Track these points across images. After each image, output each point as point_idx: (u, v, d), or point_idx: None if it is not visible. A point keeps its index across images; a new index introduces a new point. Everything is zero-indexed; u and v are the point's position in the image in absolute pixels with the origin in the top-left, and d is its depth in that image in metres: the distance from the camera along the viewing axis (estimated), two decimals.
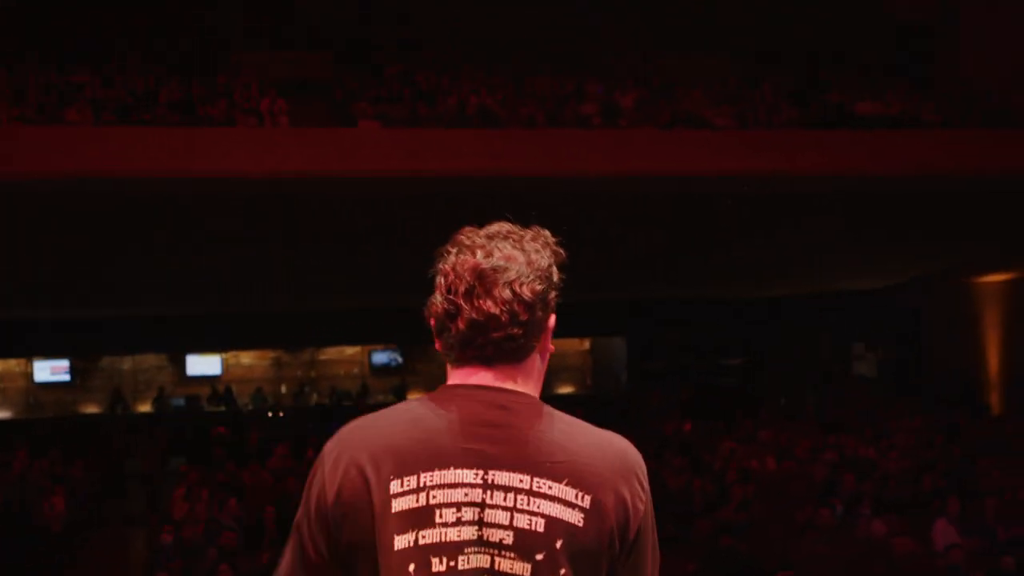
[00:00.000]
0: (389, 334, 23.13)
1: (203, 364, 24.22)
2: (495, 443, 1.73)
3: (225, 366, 24.23)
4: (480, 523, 1.69)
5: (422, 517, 1.69)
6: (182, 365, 24.15)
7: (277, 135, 13.92)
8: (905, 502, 11.23)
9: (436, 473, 1.71)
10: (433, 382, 23.88)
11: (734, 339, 24.42)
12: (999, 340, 20.27)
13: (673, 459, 12.65)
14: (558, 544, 1.68)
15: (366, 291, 20.00)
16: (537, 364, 1.85)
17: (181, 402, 23.06)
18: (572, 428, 1.79)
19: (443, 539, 1.68)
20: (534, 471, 1.71)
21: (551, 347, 1.90)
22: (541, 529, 1.68)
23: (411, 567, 1.69)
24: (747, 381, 24.03)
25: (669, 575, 7.32)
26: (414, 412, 1.80)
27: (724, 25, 19.48)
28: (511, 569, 1.67)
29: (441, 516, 1.69)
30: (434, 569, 1.68)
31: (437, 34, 19.67)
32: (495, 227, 1.85)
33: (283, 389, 24.09)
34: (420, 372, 24.08)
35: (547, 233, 1.89)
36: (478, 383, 1.79)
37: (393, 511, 1.70)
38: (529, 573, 1.67)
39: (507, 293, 1.75)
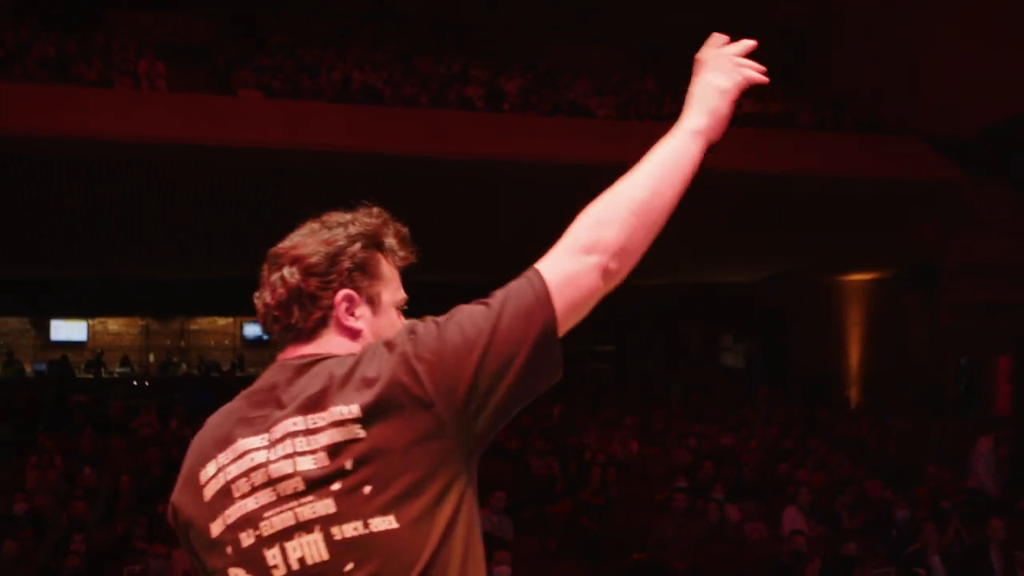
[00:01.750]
0: None
1: (68, 330, 23.54)
2: (274, 402, 1.70)
3: (91, 332, 23.58)
4: (271, 482, 1.64)
5: (223, 497, 1.67)
6: (46, 330, 23.43)
7: (153, 99, 13.57)
8: (761, 489, 11.57)
9: (228, 450, 1.69)
10: None
11: (606, 325, 24.72)
12: (859, 337, 20.99)
13: (536, 442, 12.77)
14: (348, 465, 1.60)
15: (240, 261, 19.67)
16: (336, 342, 1.76)
17: (43, 367, 22.34)
18: (334, 362, 1.70)
19: (243, 511, 1.65)
20: (304, 410, 1.65)
21: (354, 325, 1.78)
22: (326, 462, 1.61)
23: (228, 550, 1.66)
24: (618, 367, 24.38)
25: (529, 554, 7.42)
26: (233, 399, 1.79)
27: (613, 18, 19.66)
28: (314, 512, 1.61)
29: (238, 490, 1.66)
30: (244, 544, 1.64)
31: (326, 9, 19.45)
32: (326, 216, 1.84)
33: (151, 358, 23.55)
34: None
35: (376, 211, 1.85)
36: (280, 359, 1.77)
37: (206, 500, 1.70)
38: (334, 508, 1.60)
39: (275, 278, 1.75)
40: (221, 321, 23.83)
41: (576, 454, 12.08)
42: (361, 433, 1.60)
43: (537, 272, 1.71)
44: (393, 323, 1.82)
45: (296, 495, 1.62)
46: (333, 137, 13.40)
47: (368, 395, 1.61)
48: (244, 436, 1.69)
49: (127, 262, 19.54)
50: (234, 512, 1.65)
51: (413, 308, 1.86)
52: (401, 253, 1.86)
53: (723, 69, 1.98)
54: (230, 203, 14.99)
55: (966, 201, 15.08)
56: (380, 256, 1.82)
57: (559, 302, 1.68)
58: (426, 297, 1.83)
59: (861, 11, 18.42)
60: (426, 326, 1.67)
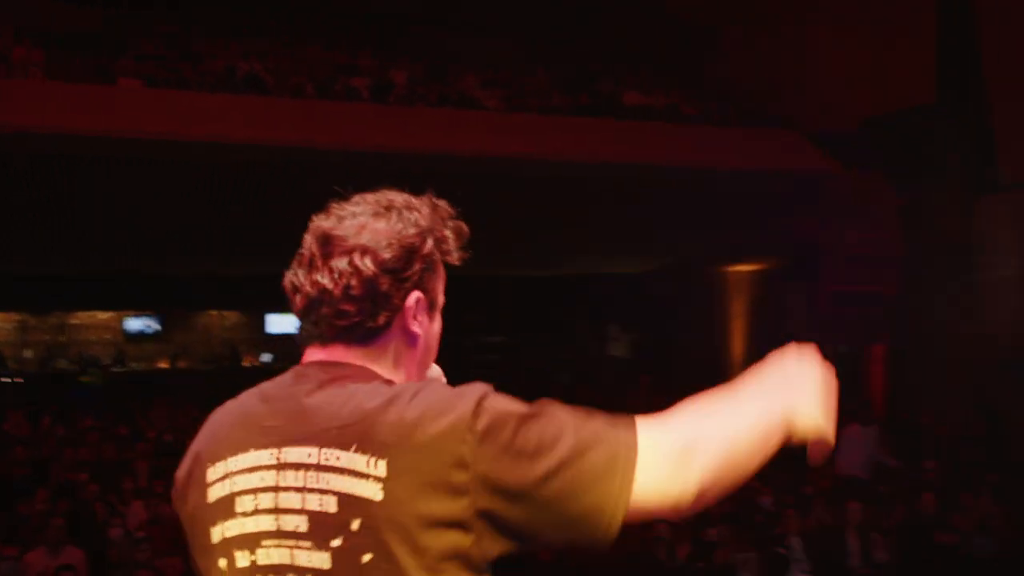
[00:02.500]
0: (145, 300, 22.31)
1: None
2: (290, 416, 1.53)
3: None
4: (276, 511, 1.50)
5: (226, 507, 1.55)
6: None
7: (28, 87, 13.13)
8: None
9: (239, 457, 1.55)
10: (192, 351, 23.29)
11: (496, 316, 24.75)
12: (743, 327, 21.38)
13: None
14: (354, 525, 1.43)
15: (121, 255, 19.18)
16: (394, 347, 1.63)
17: None
18: (359, 389, 1.52)
19: (242, 531, 1.53)
20: (320, 441, 1.48)
21: (417, 331, 1.65)
22: (334, 509, 1.45)
23: (222, 563, 1.56)
24: (507, 358, 24.41)
25: None
26: (249, 393, 1.65)
27: (505, 9, 19.63)
28: (309, 562, 1.46)
29: (241, 505, 1.53)
30: (238, 564, 1.53)
31: None
32: (378, 194, 1.66)
33: (27, 353, 22.79)
34: (177, 341, 23.30)
35: (442, 204, 1.70)
36: (311, 360, 1.62)
37: (209, 501, 1.58)
38: (329, 564, 1.45)
39: (343, 263, 1.56)
40: (101, 315, 23.16)
41: None
42: (379, 495, 1.42)
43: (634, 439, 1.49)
44: (439, 330, 1.73)
45: (296, 535, 1.48)
46: (215, 127, 13.14)
47: (401, 455, 1.43)
48: (256, 447, 1.54)
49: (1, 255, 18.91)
50: (234, 527, 1.54)
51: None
52: (456, 253, 1.71)
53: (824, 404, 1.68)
54: (111, 195, 14.57)
55: (845, 193, 15.48)
56: (439, 254, 1.68)
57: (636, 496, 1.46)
58: None
59: (751, 6, 18.75)
60: (498, 407, 1.47)
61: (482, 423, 1.44)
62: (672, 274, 22.06)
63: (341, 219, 1.60)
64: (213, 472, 1.58)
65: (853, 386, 18.74)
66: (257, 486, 1.52)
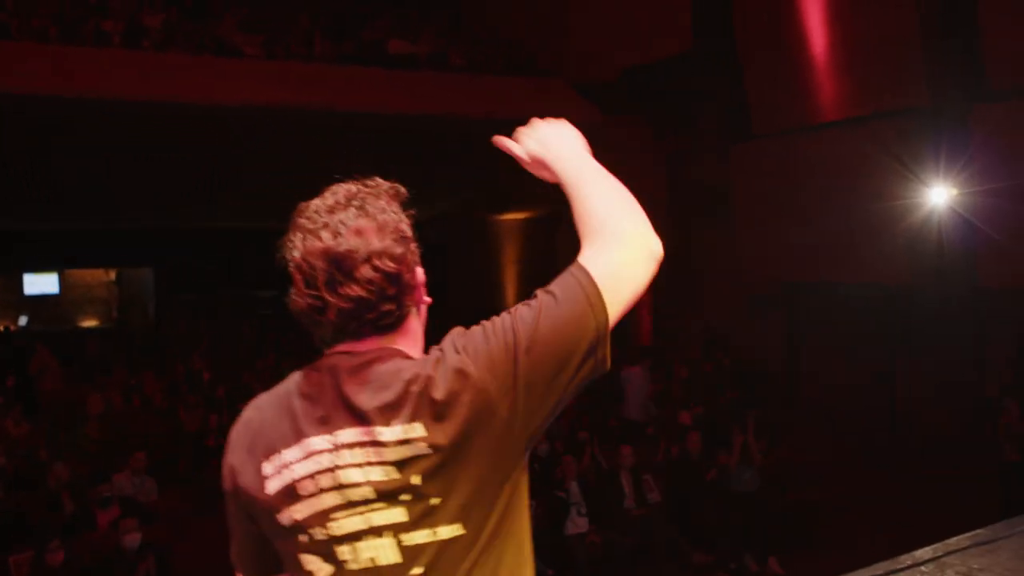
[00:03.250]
0: None
1: None
2: (341, 403, 1.70)
3: None
4: (339, 487, 1.67)
5: (289, 495, 1.69)
6: None
7: None
8: None
9: (293, 448, 1.70)
10: None
11: (267, 271, 24.20)
12: (515, 274, 21.68)
13: (187, 396, 12.24)
14: (415, 480, 1.65)
15: None
16: (414, 324, 1.83)
17: None
18: (390, 369, 1.72)
19: (313, 510, 1.68)
20: (368, 421, 1.67)
21: (427, 299, 1.88)
22: (395, 475, 1.65)
23: (301, 538, 1.69)
24: (280, 313, 23.96)
25: (178, 513, 7.01)
26: (285, 387, 1.79)
27: None
28: (385, 520, 1.66)
29: (304, 489, 1.68)
30: (316, 538, 1.68)
31: None
32: (331, 197, 1.76)
33: None
34: None
35: (383, 183, 1.83)
36: (345, 350, 1.75)
37: (267, 492, 1.71)
38: (405, 517, 1.65)
39: (369, 272, 1.70)
40: None
41: (229, 405, 11.67)
42: (427, 450, 1.65)
43: (584, 271, 1.78)
44: None
45: (366, 502, 1.67)
46: None
47: (435, 414, 1.66)
48: (310, 435, 1.70)
49: None
50: (302, 509, 1.68)
51: None
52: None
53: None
54: None
55: (610, 142, 15.74)
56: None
57: (612, 301, 1.77)
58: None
59: None
60: (475, 335, 1.74)
61: (472, 356, 1.70)
62: (445, 223, 22.08)
63: (336, 233, 1.71)
64: (268, 465, 1.72)
65: (626, 330, 19.37)
66: (315, 470, 1.68)
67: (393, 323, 1.76)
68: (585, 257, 1.81)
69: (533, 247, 21.09)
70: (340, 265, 1.69)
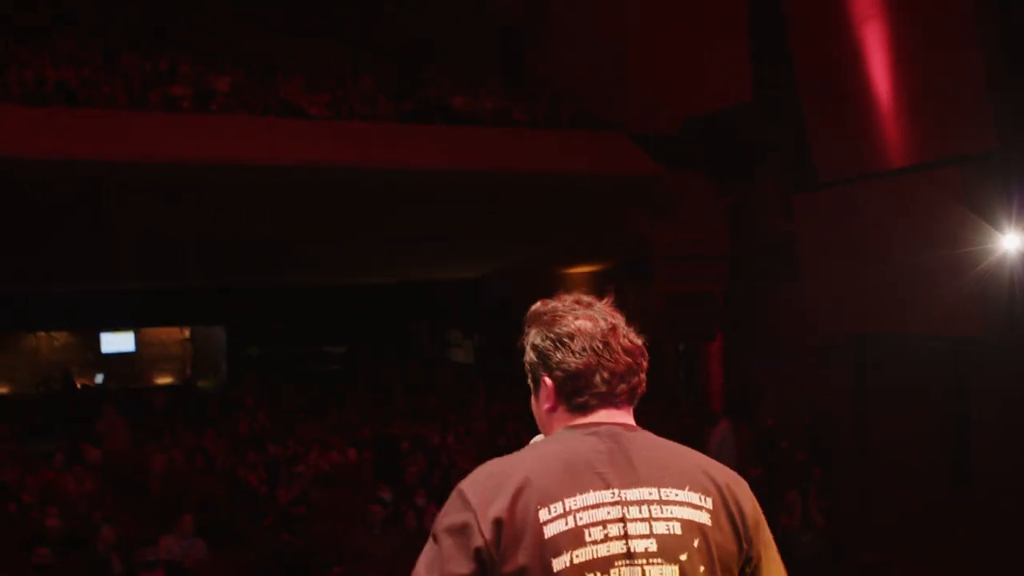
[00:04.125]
0: None
1: None
2: (622, 465, 1.96)
3: None
4: (625, 536, 1.88)
5: (573, 538, 1.86)
6: None
7: None
8: None
9: (578, 497, 1.90)
10: (16, 374, 22.13)
11: (337, 325, 24.36)
12: None
13: (248, 454, 12.24)
14: (695, 543, 1.91)
15: None
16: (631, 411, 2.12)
17: None
18: (674, 446, 2.08)
19: (595, 555, 1.86)
20: (659, 483, 1.95)
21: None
22: (679, 531, 1.91)
23: None
24: (348, 368, 24.07)
25: (224, 572, 7.04)
26: (550, 448, 2.03)
27: (329, 12, 19.34)
28: (660, 574, 1.88)
29: (590, 535, 1.87)
30: None
31: (25, 3, 18.18)
32: (570, 298, 2.15)
33: None
34: (1, 364, 22.21)
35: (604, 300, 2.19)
36: (602, 420, 2.04)
37: (546, 537, 1.86)
38: (678, 574, 1.88)
39: (631, 345, 2.08)
40: None
41: (287, 464, 11.66)
42: (708, 521, 1.94)
43: None
44: None
45: (647, 555, 1.88)
46: (21, 142, 12.52)
47: (723, 497, 1.99)
48: (596, 488, 1.91)
49: None
50: (584, 554, 1.86)
51: None
52: None
53: None
54: None
55: (671, 194, 15.66)
56: None
57: None
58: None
59: (573, 8, 18.86)
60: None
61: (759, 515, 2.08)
62: (510, 277, 22.07)
63: (603, 318, 2.08)
64: (546, 512, 1.88)
65: (695, 384, 19.13)
66: (604, 519, 1.89)
67: (640, 395, 2.11)
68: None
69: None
70: (612, 336, 2.05)
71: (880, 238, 12.69)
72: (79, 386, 21.14)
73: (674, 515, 1.92)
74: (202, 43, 18.19)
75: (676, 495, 1.94)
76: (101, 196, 13.53)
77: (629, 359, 2.06)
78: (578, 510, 1.89)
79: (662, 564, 1.88)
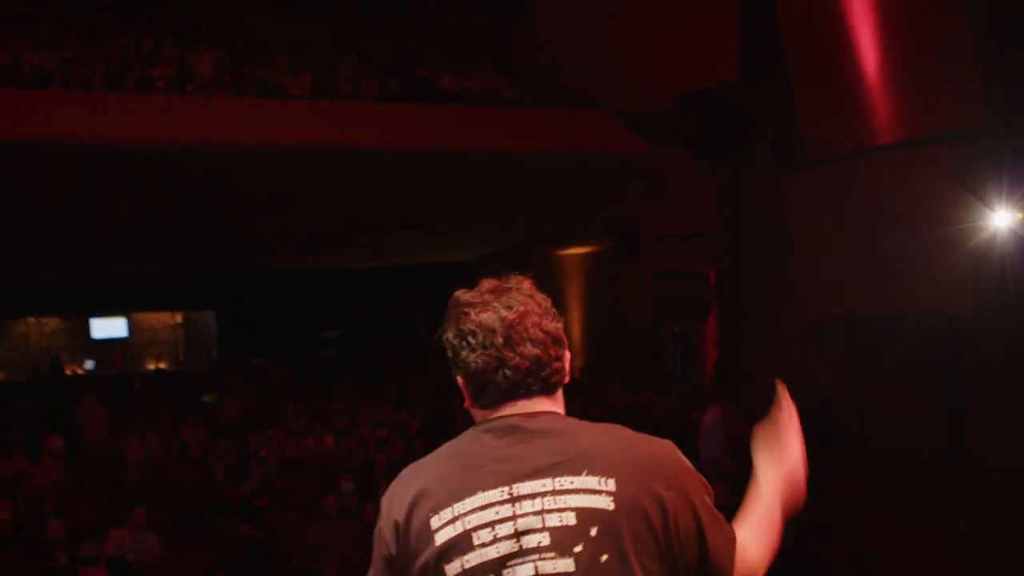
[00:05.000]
0: None
1: None
2: (514, 459, 1.87)
3: None
4: (516, 535, 1.81)
5: (461, 543, 1.82)
6: None
7: None
8: None
9: (466, 501, 1.84)
10: (5, 360, 22.01)
11: (333, 310, 24.15)
12: (581, 310, 21.29)
13: (220, 442, 11.97)
14: (593, 532, 1.79)
15: None
16: (559, 397, 2.02)
17: None
18: (579, 429, 1.94)
19: (484, 559, 1.80)
20: (552, 472, 1.84)
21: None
22: (573, 522, 1.80)
23: None
24: (343, 353, 23.86)
25: (177, 566, 6.79)
26: (451, 450, 1.97)
27: None
28: (554, 569, 1.79)
29: (478, 538, 1.81)
30: None
31: None
32: (486, 285, 2.03)
33: None
34: None
35: (523, 278, 2.06)
36: (509, 412, 1.95)
37: (437, 544, 1.83)
38: (573, 567, 1.78)
39: (540, 334, 1.96)
40: None
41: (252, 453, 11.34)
42: (609, 505, 1.82)
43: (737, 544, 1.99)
44: None
45: (540, 549, 1.80)
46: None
47: (627, 474, 1.85)
48: (485, 488, 1.85)
49: None
50: (473, 558, 1.81)
51: None
52: None
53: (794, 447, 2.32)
54: None
55: (660, 172, 15.38)
56: None
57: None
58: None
59: None
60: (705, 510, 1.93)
61: (681, 498, 1.89)
62: (503, 260, 21.80)
63: (508, 307, 1.96)
64: (438, 519, 1.85)
65: (692, 366, 18.87)
66: (493, 519, 1.83)
67: (557, 383, 2.00)
68: (740, 525, 2.06)
69: (597, 282, 20.70)
70: (516, 329, 1.94)
71: (871, 216, 12.43)
72: (70, 372, 21.00)
73: (568, 504, 1.82)
74: (189, 21, 17.93)
75: (571, 483, 1.84)
76: (82, 179, 13.33)
77: (537, 351, 1.95)
78: (465, 514, 1.84)
79: (556, 558, 1.80)
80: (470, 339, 1.95)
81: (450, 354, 2.00)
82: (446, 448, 1.98)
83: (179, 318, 24.23)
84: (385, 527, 1.92)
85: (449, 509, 1.84)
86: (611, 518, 1.81)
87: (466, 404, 2.02)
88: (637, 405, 15.02)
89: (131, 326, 23.43)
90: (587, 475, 1.84)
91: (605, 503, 1.82)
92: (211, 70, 15.50)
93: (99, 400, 13.73)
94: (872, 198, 12.42)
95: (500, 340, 1.93)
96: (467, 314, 1.97)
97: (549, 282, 2.18)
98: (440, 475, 1.90)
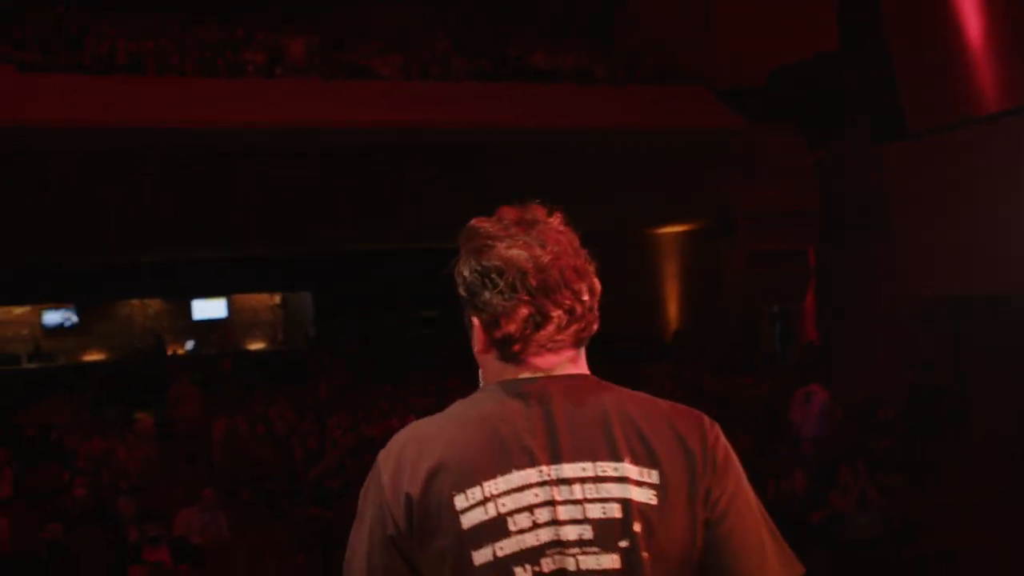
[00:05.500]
0: (62, 293, 21.59)
1: None
2: (549, 433, 1.66)
3: None
4: (555, 523, 1.62)
5: (495, 529, 1.62)
6: None
7: None
8: None
9: (500, 480, 1.64)
10: (111, 342, 22.58)
11: (430, 289, 24.14)
12: (677, 290, 20.93)
13: (304, 423, 11.98)
14: (636, 527, 1.63)
15: (33, 248, 18.42)
16: (584, 352, 1.80)
17: None
18: (626, 400, 1.73)
19: (522, 546, 1.62)
20: (593, 455, 1.65)
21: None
22: (618, 515, 1.63)
23: None
24: (442, 332, 23.84)
25: (244, 547, 6.78)
26: (470, 412, 1.72)
27: None
28: (598, 565, 1.62)
29: (515, 524, 1.62)
30: None
31: None
32: (510, 214, 1.78)
33: None
34: (97, 333, 22.62)
35: (541, 206, 1.82)
36: (535, 371, 1.73)
37: (464, 528, 1.62)
38: (618, 564, 1.61)
39: (578, 281, 1.73)
40: (17, 310, 22.43)
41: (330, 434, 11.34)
42: (655, 500, 1.64)
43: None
44: None
45: (582, 542, 1.62)
46: (90, 113, 12.60)
47: (670, 467, 1.67)
48: (521, 467, 1.65)
49: None
50: (509, 545, 1.62)
51: None
52: None
53: None
54: (13, 186, 13.92)
55: (757, 148, 15.01)
56: None
57: None
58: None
59: None
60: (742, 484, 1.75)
61: (719, 470, 1.71)
62: (599, 240, 21.52)
63: (541, 245, 1.71)
64: (463, 498, 1.62)
65: (791, 346, 18.42)
66: (531, 503, 1.62)
67: (586, 338, 1.77)
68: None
69: (694, 261, 20.32)
70: (550, 272, 1.69)
71: (975, 190, 11.90)
72: (171, 353, 21.43)
73: (612, 495, 1.63)
74: (283, 8, 18.05)
75: (615, 469, 1.64)
76: (181, 165, 13.51)
77: (570, 301, 1.71)
78: (499, 495, 1.63)
79: (599, 553, 1.62)
80: (495, 277, 1.71)
81: (463, 292, 1.76)
82: (462, 409, 1.73)
83: (278, 299, 24.56)
84: (391, 500, 1.66)
85: (478, 488, 1.63)
86: (654, 515, 1.63)
87: (477, 349, 1.78)
88: (730, 387, 14.72)
89: (231, 307, 23.82)
90: (630, 463, 1.64)
91: (647, 496, 1.63)
92: (304, 52, 15.58)
93: (192, 381, 13.94)
94: (976, 170, 11.91)
95: (533, 283, 1.69)
96: (491, 247, 1.72)
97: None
98: (462, 445, 1.67)
